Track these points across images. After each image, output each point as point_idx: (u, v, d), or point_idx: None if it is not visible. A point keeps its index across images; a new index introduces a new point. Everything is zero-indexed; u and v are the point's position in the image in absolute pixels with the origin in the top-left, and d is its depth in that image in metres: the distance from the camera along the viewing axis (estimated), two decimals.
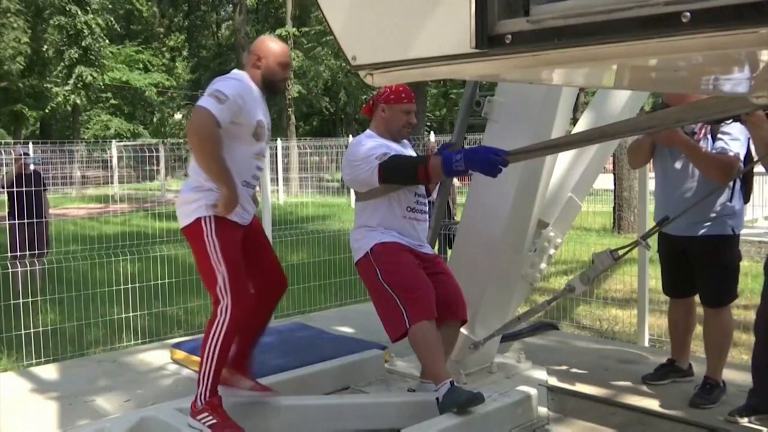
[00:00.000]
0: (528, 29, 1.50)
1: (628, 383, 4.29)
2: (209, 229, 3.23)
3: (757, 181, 6.80)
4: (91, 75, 31.34)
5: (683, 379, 4.17)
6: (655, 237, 4.07)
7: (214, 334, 3.23)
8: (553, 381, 4.29)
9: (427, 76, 1.88)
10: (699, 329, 4.29)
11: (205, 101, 3.13)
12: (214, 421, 3.15)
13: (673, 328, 4.25)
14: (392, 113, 3.71)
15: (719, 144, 3.77)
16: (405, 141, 3.87)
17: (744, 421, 3.59)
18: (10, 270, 6.76)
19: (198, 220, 3.23)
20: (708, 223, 3.86)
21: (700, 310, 4.15)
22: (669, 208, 3.86)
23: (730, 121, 3.77)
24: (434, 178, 3.43)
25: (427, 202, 3.87)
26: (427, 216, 3.88)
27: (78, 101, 31.51)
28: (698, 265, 3.95)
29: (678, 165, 3.93)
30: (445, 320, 3.61)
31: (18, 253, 7.39)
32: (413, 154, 3.83)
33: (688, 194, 3.86)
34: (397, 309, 3.43)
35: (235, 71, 3.44)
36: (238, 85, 3.27)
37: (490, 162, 3.19)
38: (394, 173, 3.47)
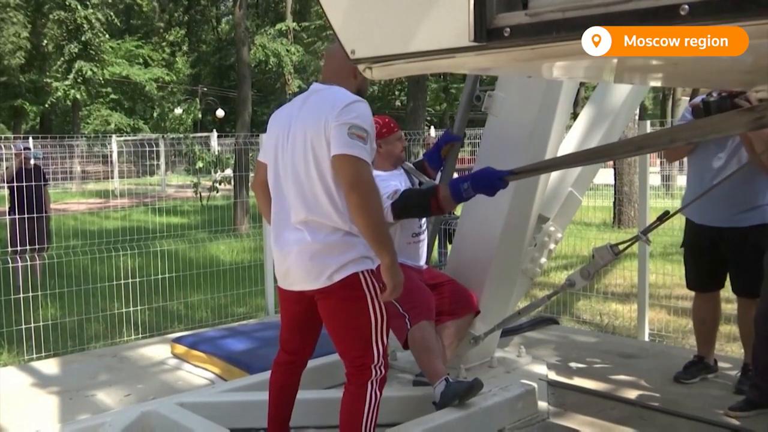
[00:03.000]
0: (526, 22, 1.50)
1: (628, 378, 4.30)
2: (372, 286, 2.75)
3: None
4: (91, 70, 31.27)
5: (712, 375, 4.18)
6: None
7: (369, 411, 2.77)
8: (553, 375, 4.30)
9: (426, 70, 1.88)
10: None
11: (351, 146, 2.62)
12: None
13: (701, 324, 4.25)
14: (389, 145, 3.82)
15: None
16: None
17: (744, 415, 3.60)
18: (10, 264, 6.76)
19: (355, 274, 2.73)
20: (753, 213, 3.86)
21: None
22: (707, 198, 3.79)
23: None
24: (447, 209, 3.41)
25: (426, 221, 4.05)
26: (426, 232, 4.08)
27: (78, 96, 31.46)
28: (737, 256, 3.92)
29: (722, 155, 3.92)
30: (462, 315, 3.83)
31: (18, 248, 7.39)
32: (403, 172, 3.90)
33: (732, 185, 3.79)
34: (400, 316, 3.56)
35: (337, 88, 2.82)
36: (367, 109, 2.75)
37: (495, 187, 3.21)
38: (408, 210, 3.46)
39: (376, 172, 3.61)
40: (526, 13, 1.51)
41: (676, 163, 5.62)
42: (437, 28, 1.64)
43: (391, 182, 3.64)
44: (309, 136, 2.72)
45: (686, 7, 1.27)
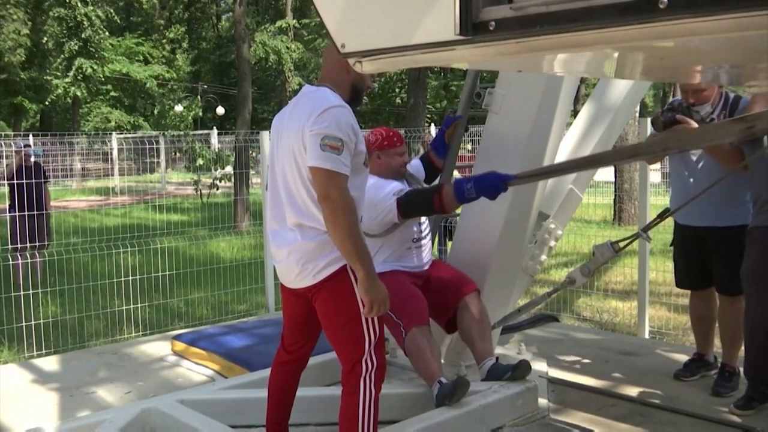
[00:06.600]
0: (511, 16, 1.52)
1: (628, 375, 4.30)
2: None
3: None
4: (91, 67, 31.23)
5: (712, 372, 4.18)
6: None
7: (365, 409, 2.76)
8: (554, 372, 4.31)
9: (415, 64, 1.89)
10: None
11: (323, 158, 2.62)
12: None
13: (698, 322, 4.25)
14: (389, 158, 3.81)
15: None
16: None
17: (750, 413, 3.61)
18: (11, 262, 6.78)
19: (343, 268, 2.75)
20: (735, 212, 3.87)
21: None
22: (688, 198, 3.80)
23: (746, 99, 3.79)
24: (449, 207, 3.44)
25: (429, 224, 4.02)
26: (430, 235, 4.06)
27: (78, 93, 31.43)
28: (720, 254, 3.93)
29: (700, 157, 3.94)
30: (462, 297, 3.75)
31: (19, 245, 7.40)
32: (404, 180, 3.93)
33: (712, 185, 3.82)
34: (395, 324, 3.58)
35: (323, 90, 2.82)
36: (344, 113, 2.73)
37: (498, 190, 3.25)
38: (414, 206, 3.50)
39: (376, 178, 3.64)
40: (510, 7, 1.53)
41: None
42: (424, 22, 1.66)
43: (393, 183, 3.66)
44: (292, 145, 2.77)
45: (665, 0, 1.28)
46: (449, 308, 3.77)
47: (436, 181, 4.11)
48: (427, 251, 3.97)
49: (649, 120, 5.50)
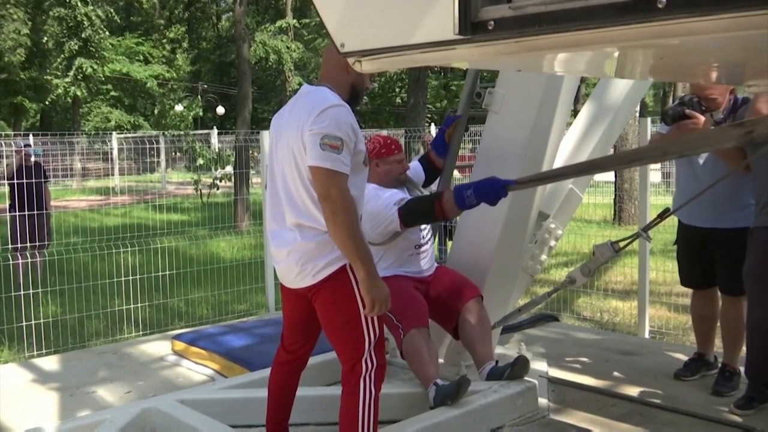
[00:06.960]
0: (510, 15, 1.53)
1: (628, 374, 4.30)
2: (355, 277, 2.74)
3: None
4: (91, 67, 31.21)
5: (712, 372, 4.18)
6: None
7: (365, 409, 2.77)
8: (554, 372, 4.31)
9: (415, 63, 1.89)
10: None
11: (323, 158, 2.62)
12: None
13: (700, 321, 4.26)
14: (387, 165, 3.81)
15: None
16: None
17: (750, 413, 3.61)
18: (11, 262, 6.77)
19: (342, 268, 2.75)
20: (739, 213, 3.87)
21: None
22: (696, 200, 3.79)
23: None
24: (450, 214, 3.43)
25: (430, 229, 4.01)
26: (432, 240, 4.05)
27: (78, 93, 31.41)
28: (722, 254, 3.94)
29: (706, 157, 3.94)
30: (464, 303, 3.74)
31: (19, 245, 7.40)
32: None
33: (717, 185, 3.82)
34: (395, 326, 3.59)
35: (322, 90, 2.82)
36: (344, 113, 2.72)
37: (498, 196, 3.25)
38: (414, 215, 3.50)
39: (375, 186, 3.64)
40: (509, 7, 1.53)
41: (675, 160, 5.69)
42: (423, 22, 1.66)
43: (393, 191, 3.67)
44: (291, 145, 2.76)
45: (664, 0, 1.28)
46: (452, 315, 3.77)
47: (437, 182, 4.11)
48: (429, 256, 3.97)
49: (649, 120, 5.54)
